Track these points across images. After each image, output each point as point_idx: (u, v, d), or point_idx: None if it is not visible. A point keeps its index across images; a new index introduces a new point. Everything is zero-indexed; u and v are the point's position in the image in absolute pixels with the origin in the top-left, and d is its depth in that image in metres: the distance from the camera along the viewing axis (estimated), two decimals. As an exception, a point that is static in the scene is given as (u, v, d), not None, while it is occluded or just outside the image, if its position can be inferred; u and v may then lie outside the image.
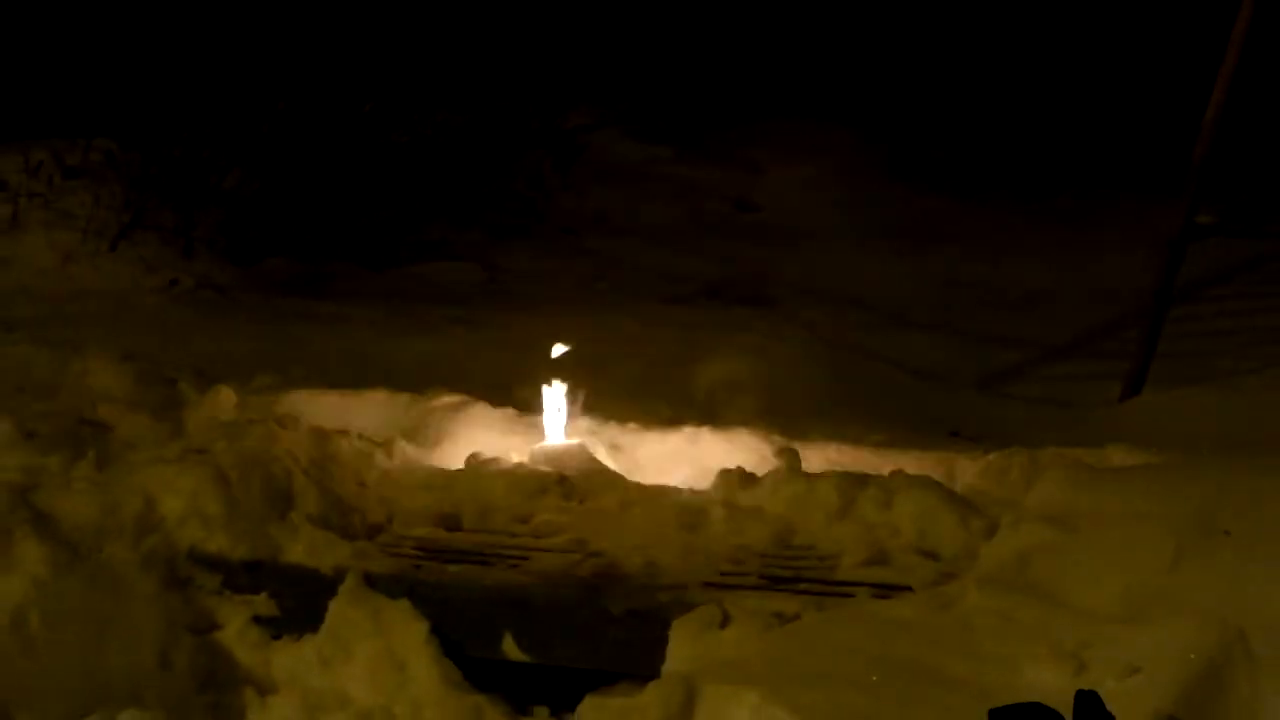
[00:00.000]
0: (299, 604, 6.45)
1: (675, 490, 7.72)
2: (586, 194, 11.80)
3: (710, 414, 8.28)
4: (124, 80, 12.41)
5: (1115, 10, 14.44)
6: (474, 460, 7.89)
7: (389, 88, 12.88)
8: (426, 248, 11.17)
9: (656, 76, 13.68)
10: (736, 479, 7.53)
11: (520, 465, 7.82)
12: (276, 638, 6.37)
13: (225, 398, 8.42)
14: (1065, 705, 4.87)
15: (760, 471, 7.55)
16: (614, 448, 8.12)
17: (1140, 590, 5.57)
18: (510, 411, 8.27)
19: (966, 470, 7.44)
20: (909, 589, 6.32)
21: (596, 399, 8.28)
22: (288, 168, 11.87)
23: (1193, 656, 5.12)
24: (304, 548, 6.93)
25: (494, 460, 7.85)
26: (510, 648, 6.32)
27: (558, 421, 8.17)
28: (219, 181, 11.68)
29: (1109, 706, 4.90)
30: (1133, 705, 4.95)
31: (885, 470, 7.35)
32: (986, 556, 6.27)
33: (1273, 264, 9.84)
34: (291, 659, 6.24)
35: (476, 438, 8.12)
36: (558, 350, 8.33)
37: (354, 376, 8.67)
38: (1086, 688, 4.96)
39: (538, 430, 8.18)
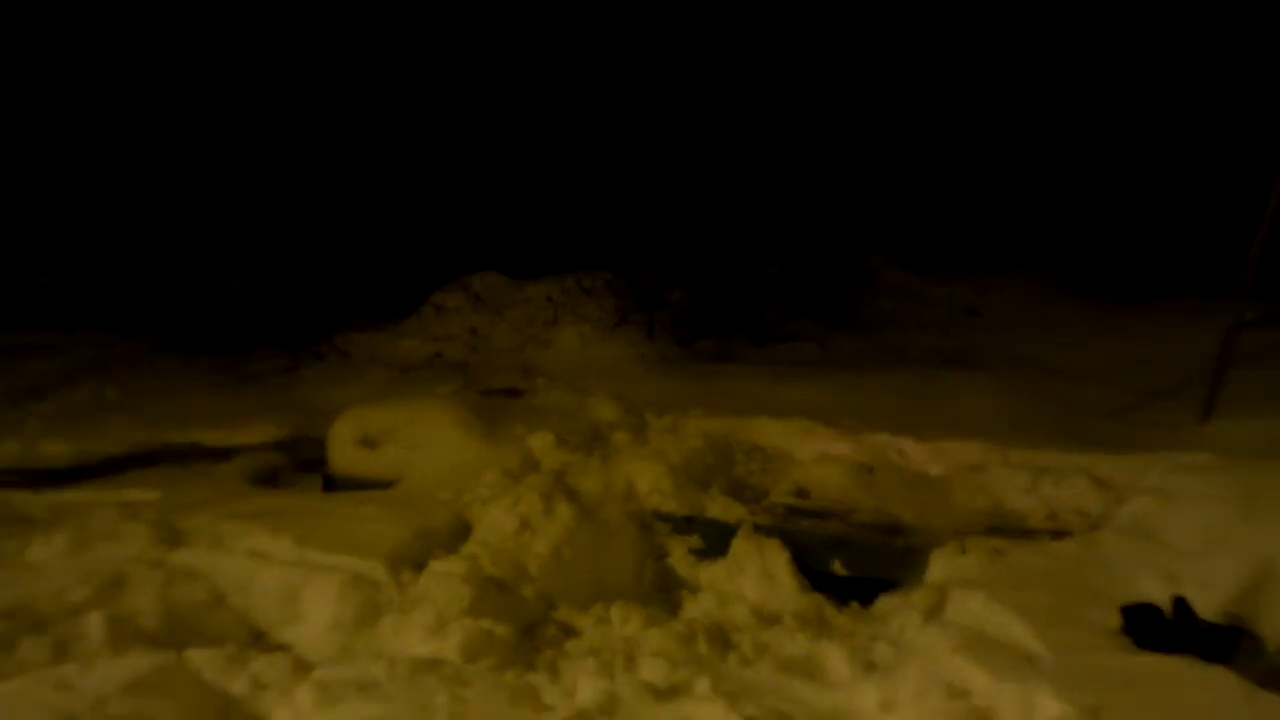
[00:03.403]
0: (715, 541, 6.55)
1: (921, 475, 7.63)
2: (879, 304, 11.73)
3: (949, 431, 8.00)
4: (614, 241, 12.72)
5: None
6: (818, 456, 7.85)
7: (769, 240, 13.05)
8: (789, 335, 11.18)
9: (922, 232, 13.56)
10: (969, 468, 7.48)
11: (844, 459, 7.72)
12: (701, 560, 6.47)
13: (671, 421, 8.44)
14: (1165, 605, 4.87)
15: (984, 463, 7.50)
16: (900, 453, 7.89)
17: (1212, 536, 5.47)
18: (833, 432, 8.07)
19: (1105, 465, 7.20)
20: (1070, 534, 6.30)
21: (883, 420, 8.14)
22: (710, 289, 12.05)
23: (1246, 575, 5.05)
24: (719, 508, 7.03)
25: (830, 457, 7.79)
26: (837, 567, 6.42)
27: (856, 434, 8.01)
28: (669, 297, 11.87)
29: (1192, 605, 4.88)
30: (1206, 605, 4.92)
31: (1055, 465, 7.25)
32: (1117, 516, 6.18)
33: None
34: (710, 573, 6.33)
35: (817, 445, 8.02)
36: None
37: (748, 409, 8.62)
38: (1178, 595, 4.95)
39: (849, 440, 7.99)
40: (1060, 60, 14.52)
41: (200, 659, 4.98)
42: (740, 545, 6.33)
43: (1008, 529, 6.64)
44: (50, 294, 13.73)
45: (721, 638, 5.61)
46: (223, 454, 8.25)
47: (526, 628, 5.59)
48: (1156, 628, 4.83)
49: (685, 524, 6.80)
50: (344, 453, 7.85)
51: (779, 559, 6.18)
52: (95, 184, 15.48)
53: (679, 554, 6.52)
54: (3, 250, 13.83)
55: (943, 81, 14.68)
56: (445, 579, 5.70)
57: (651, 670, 5.18)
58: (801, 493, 7.43)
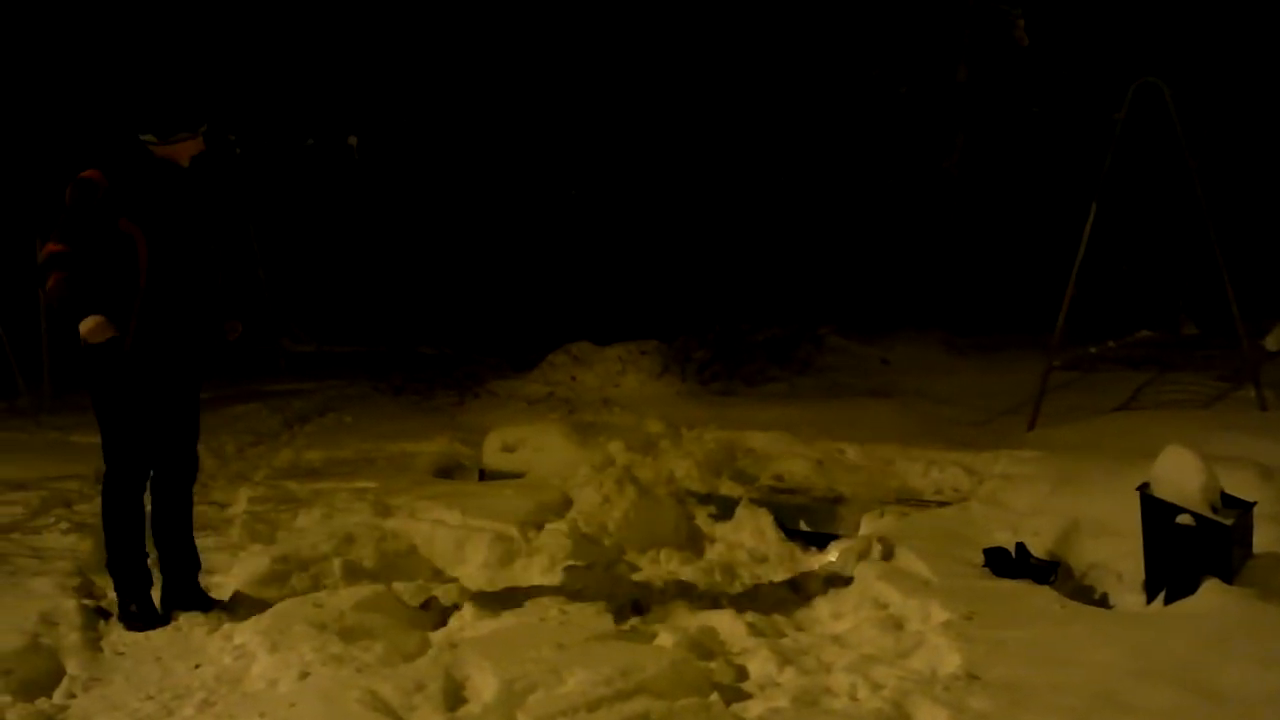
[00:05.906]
0: (725, 509, 6.45)
1: (854, 465, 7.38)
2: (825, 358, 11.47)
3: (871, 437, 7.76)
4: (660, 320, 12.64)
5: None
6: (789, 455, 7.56)
7: (756, 319, 12.89)
8: (769, 378, 10.88)
9: (853, 309, 13.18)
10: (885, 461, 7.26)
11: (805, 456, 7.47)
12: (716, 521, 6.34)
13: (696, 433, 8.25)
14: (1011, 548, 4.81)
15: (894, 458, 7.32)
16: (841, 452, 7.59)
17: (1038, 502, 5.43)
18: (798, 439, 7.80)
19: (970, 458, 6.98)
20: (949, 503, 6.20)
21: (829, 431, 7.92)
22: (720, 349, 11.87)
23: (1061, 528, 4.99)
24: (727, 488, 6.93)
25: (796, 454, 7.53)
26: (802, 525, 6.32)
27: (813, 441, 7.68)
28: (694, 355, 11.71)
29: (1028, 548, 4.82)
30: (1036, 548, 4.86)
31: (939, 459, 7.09)
32: (979, 491, 6.11)
33: (1081, 382, 9.18)
34: (722, 529, 6.21)
35: (788, 448, 7.76)
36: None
37: (744, 425, 8.34)
38: (1019, 541, 4.90)
39: (808, 444, 7.69)
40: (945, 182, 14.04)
41: (401, 588, 5.02)
42: (741, 511, 6.24)
43: (910, 500, 6.56)
44: (312, 358, 13.97)
45: (730, 571, 5.55)
46: (416, 457, 8.24)
47: (606, 565, 5.53)
48: (1006, 562, 4.76)
49: (706, 498, 6.71)
50: (492, 455, 7.84)
51: (766, 520, 6.10)
52: (334, 281, 15.84)
53: (702, 517, 6.43)
54: (283, 329, 14.01)
55: (862, 213, 14.38)
56: (555, 535, 5.69)
57: (685, 591, 5.11)
58: (779, 478, 7.34)
